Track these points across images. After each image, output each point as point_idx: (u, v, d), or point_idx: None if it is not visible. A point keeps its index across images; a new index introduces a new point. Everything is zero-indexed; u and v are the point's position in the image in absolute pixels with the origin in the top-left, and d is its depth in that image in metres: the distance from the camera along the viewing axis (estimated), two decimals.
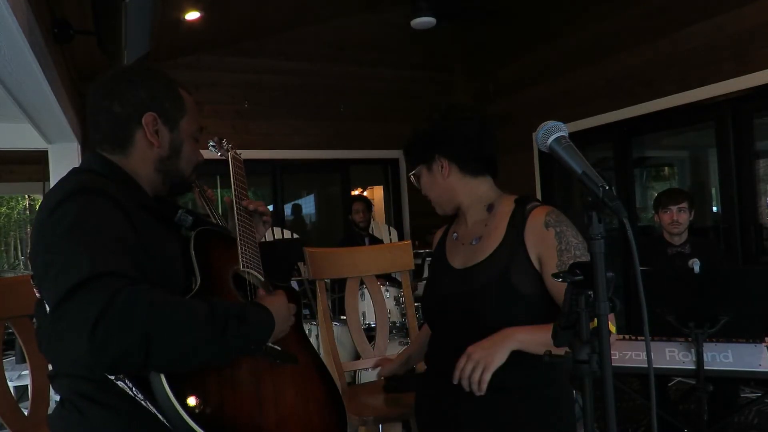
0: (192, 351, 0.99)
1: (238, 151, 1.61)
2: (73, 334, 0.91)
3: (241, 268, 1.32)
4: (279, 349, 1.22)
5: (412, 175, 1.61)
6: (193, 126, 1.31)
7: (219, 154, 1.64)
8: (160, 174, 1.27)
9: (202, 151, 1.35)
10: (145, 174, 1.26)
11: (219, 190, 5.58)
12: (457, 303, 1.48)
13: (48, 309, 1.04)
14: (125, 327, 0.91)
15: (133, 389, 1.06)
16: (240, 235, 1.37)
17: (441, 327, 1.58)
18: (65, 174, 1.20)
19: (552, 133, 1.04)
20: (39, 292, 1.11)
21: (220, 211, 1.57)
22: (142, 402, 1.05)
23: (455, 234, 1.61)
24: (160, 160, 1.26)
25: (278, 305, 1.22)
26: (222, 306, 1.06)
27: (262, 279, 1.35)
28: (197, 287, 1.19)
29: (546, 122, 1.05)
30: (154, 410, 1.04)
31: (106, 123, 1.23)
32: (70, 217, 1.03)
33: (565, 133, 1.04)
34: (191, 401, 1.02)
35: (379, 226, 5.42)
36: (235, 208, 1.44)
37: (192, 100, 1.33)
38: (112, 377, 1.06)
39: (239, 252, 1.34)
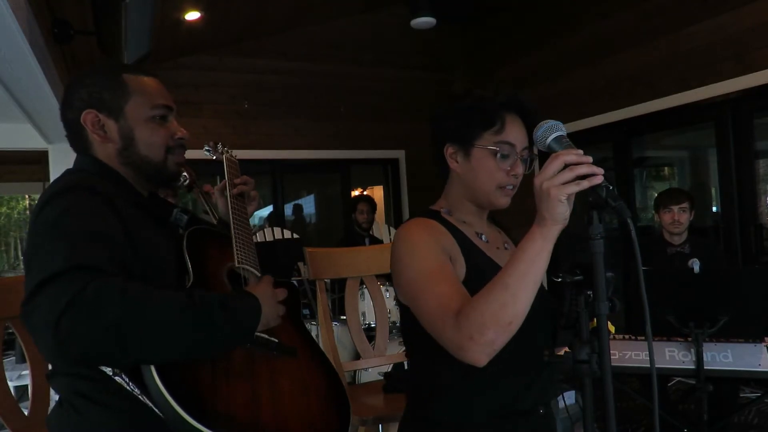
0: (174, 341, 0.98)
1: (233, 153, 1.61)
2: (42, 327, 0.90)
3: (236, 265, 1.31)
4: (276, 341, 1.21)
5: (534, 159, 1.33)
6: (145, 107, 1.23)
7: (215, 157, 1.65)
8: (128, 167, 1.24)
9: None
10: (118, 171, 1.24)
11: None
12: (537, 319, 1.13)
13: None
14: (91, 318, 0.90)
15: (130, 384, 1.05)
16: (235, 232, 1.37)
17: (521, 348, 1.16)
18: (59, 175, 1.20)
19: (551, 132, 1.03)
20: None
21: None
22: (139, 396, 1.05)
23: (483, 236, 1.35)
24: (119, 153, 1.23)
25: (262, 291, 1.21)
26: (201, 294, 1.05)
27: (258, 275, 1.34)
28: (190, 284, 1.19)
29: (544, 121, 1.05)
30: (150, 404, 1.03)
31: (66, 132, 1.24)
32: (54, 214, 1.03)
33: (563, 133, 1.03)
34: (183, 393, 1.01)
35: (379, 226, 5.41)
36: (230, 208, 1.42)
37: (146, 80, 1.25)
38: (110, 373, 1.06)
39: (234, 249, 1.33)
